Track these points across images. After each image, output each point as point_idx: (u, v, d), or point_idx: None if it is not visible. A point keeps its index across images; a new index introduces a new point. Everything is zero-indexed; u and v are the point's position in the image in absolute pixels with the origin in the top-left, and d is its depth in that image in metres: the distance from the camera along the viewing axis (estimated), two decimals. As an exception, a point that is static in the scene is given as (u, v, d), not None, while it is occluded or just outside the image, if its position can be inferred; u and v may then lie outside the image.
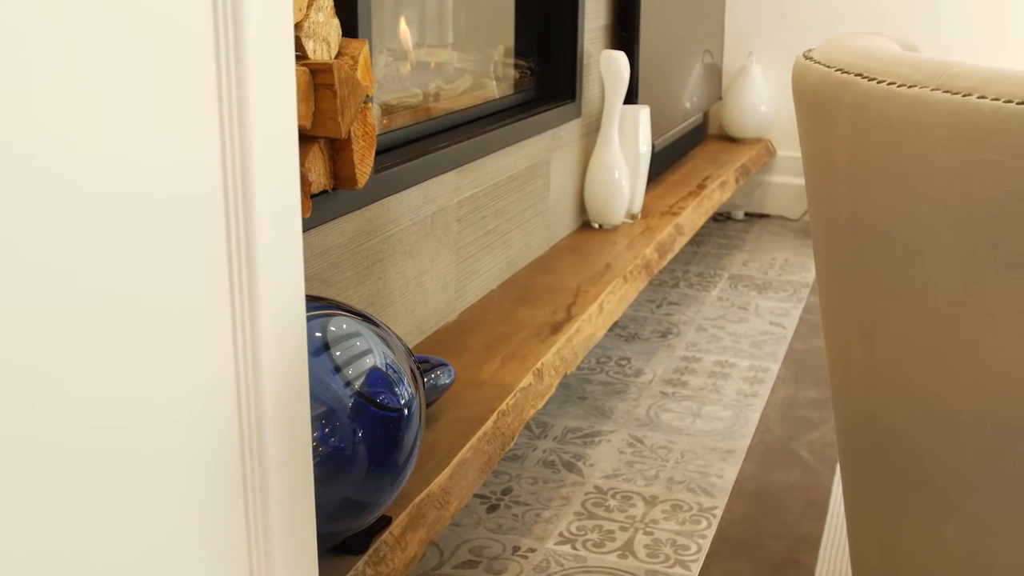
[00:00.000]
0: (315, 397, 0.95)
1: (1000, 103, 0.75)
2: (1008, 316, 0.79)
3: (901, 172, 0.84)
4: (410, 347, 1.51)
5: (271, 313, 0.68)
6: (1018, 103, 0.74)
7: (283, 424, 0.71)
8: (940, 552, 0.94)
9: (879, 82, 0.85)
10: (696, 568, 1.45)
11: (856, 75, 0.88)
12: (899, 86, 0.83)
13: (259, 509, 0.69)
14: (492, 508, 1.60)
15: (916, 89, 0.81)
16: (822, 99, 0.92)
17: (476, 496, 1.63)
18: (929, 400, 0.89)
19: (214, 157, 0.63)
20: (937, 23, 3.03)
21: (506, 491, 1.65)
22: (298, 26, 1.16)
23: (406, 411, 1.00)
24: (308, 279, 1.24)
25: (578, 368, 2.13)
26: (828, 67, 0.92)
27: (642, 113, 2.19)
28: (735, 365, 2.16)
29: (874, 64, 0.87)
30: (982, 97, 0.77)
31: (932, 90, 0.80)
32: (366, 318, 1.04)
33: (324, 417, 0.95)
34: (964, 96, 0.78)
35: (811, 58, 0.97)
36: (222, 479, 0.66)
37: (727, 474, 1.71)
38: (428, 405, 1.30)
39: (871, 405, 0.98)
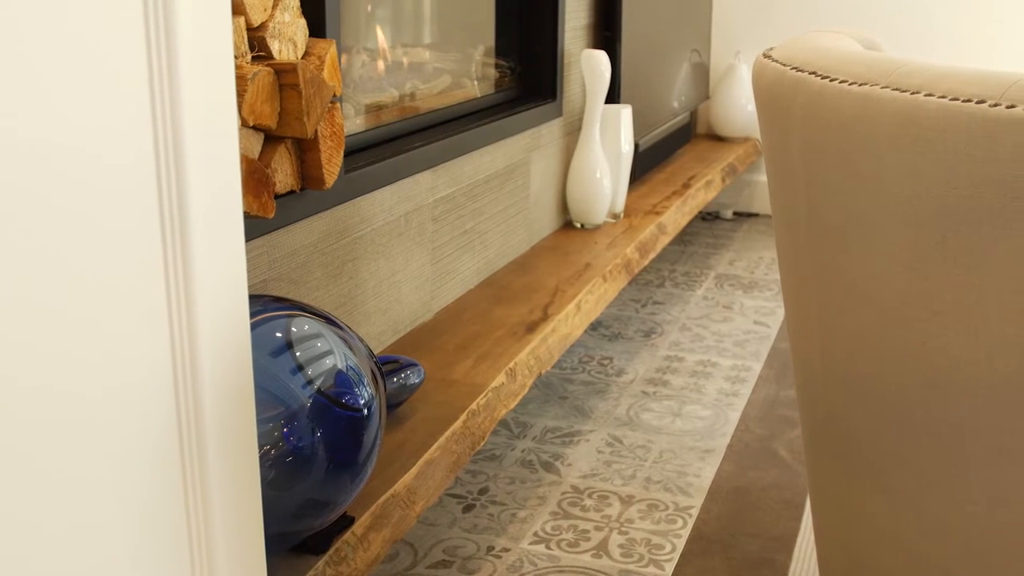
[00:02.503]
0: (274, 397, 0.95)
1: (946, 101, 0.75)
2: (957, 314, 0.79)
3: (853, 170, 0.84)
4: (384, 347, 1.51)
5: (208, 295, 0.67)
6: (964, 101, 0.74)
7: (224, 412, 0.71)
8: (897, 551, 0.94)
9: (831, 80, 0.85)
10: (670, 568, 1.45)
11: (810, 73, 0.88)
12: (850, 84, 0.83)
13: (200, 507, 0.69)
14: (468, 508, 1.60)
15: (866, 87, 0.81)
16: (778, 97, 0.92)
17: (452, 496, 1.63)
18: (884, 399, 0.89)
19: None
20: (924, 23, 3.03)
21: (483, 491, 1.65)
22: (263, 26, 1.16)
23: (366, 411, 1.00)
24: (276, 279, 1.24)
25: (560, 368, 2.13)
26: (784, 65, 0.92)
27: (624, 112, 2.18)
28: (717, 364, 2.16)
29: (828, 62, 0.87)
30: (929, 95, 0.77)
31: (882, 88, 0.80)
32: (329, 320, 1.04)
33: (283, 416, 0.95)
34: (912, 94, 0.78)
35: (770, 56, 0.97)
36: (159, 473, 0.66)
37: (705, 473, 1.71)
38: (397, 405, 1.30)
39: (831, 404, 0.98)
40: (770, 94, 0.94)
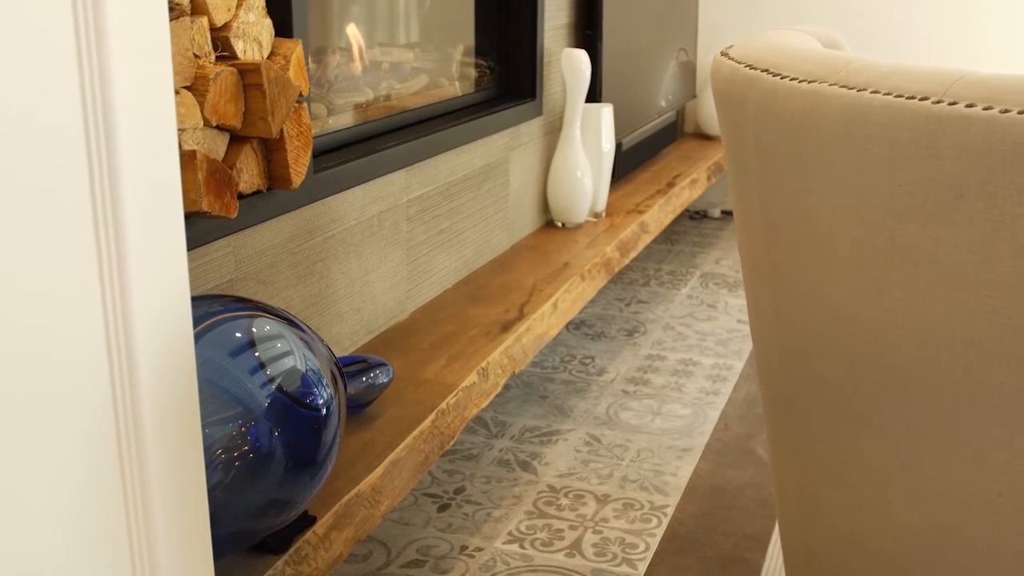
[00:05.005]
0: (232, 396, 0.95)
1: (891, 98, 0.75)
2: (906, 313, 0.79)
3: (803, 167, 0.84)
4: (357, 346, 1.51)
5: (145, 289, 0.67)
6: (908, 98, 0.74)
7: (165, 406, 0.70)
8: (855, 548, 0.94)
9: (782, 78, 0.85)
10: (643, 567, 1.45)
11: (762, 71, 0.88)
12: (800, 81, 0.83)
13: (140, 510, 0.69)
14: (443, 507, 1.60)
15: (815, 84, 0.81)
16: (732, 95, 0.92)
17: (428, 495, 1.63)
18: (839, 398, 0.89)
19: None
20: (908, 22, 3.03)
21: (459, 490, 1.65)
22: (227, 26, 1.16)
23: (325, 411, 1.00)
24: (244, 279, 1.24)
25: (541, 367, 2.13)
26: (739, 63, 0.92)
27: (604, 111, 2.18)
28: (699, 363, 2.16)
29: (780, 60, 0.87)
30: (875, 92, 0.77)
31: (830, 85, 0.80)
32: (290, 321, 1.04)
33: (240, 416, 0.95)
34: (859, 91, 0.78)
35: (726, 54, 0.97)
36: (95, 469, 0.66)
37: (682, 472, 1.71)
38: (366, 404, 1.30)
39: (790, 402, 0.98)
40: (725, 92, 0.94)
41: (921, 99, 0.73)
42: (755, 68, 0.89)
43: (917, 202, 0.75)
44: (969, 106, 0.71)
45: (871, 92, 0.76)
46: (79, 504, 0.65)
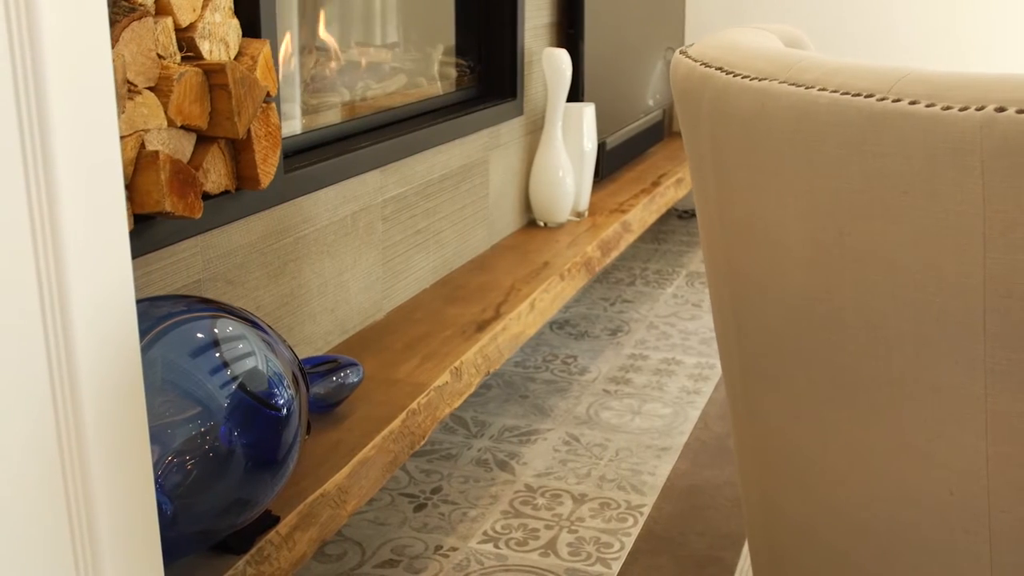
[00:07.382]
0: (191, 397, 0.95)
1: (838, 95, 0.75)
2: (856, 311, 0.79)
3: (755, 165, 0.84)
4: (331, 346, 1.51)
5: (85, 288, 0.66)
6: (854, 95, 0.74)
7: (109, 407, 0.70)
8: (815, 547, 0.94)
9: (735, 75, 0.85)
10: (617, 566, 1.45)
11: (716, 69, 0.88)
12: (751, 79, 0.83)
13: (84, 513, 0.69)
14: (419, 507, 1.60)
15: (766, 82, 0.81)
16: (689, 93, 0.92)
17: (404, 495, 1.63)
18: (794, 396, 0.89)
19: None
20: (895, 23, 3.02)
21: (435, 490, 1.65)
22: (192, 27, 1.16)
23: (285, 411, 1.00)
24: (212, 280, 1.24)
25: (523, 366, 2.13)
26: (695, 61, 0.92)
27: (586, 111, 2.18)
28: (681, 362, 2.16)
29: (733, 58, 0.87)
30: (823, 89, 0.76)
31: (780, 83, 0.80)
32: (253, 323, 1.04)
33: (200, 416, 0.95)
34: (807, 89, 0.78)
35: (685, 52, 0.97)
36: (37, 480, 0.66)
37: (660, 471, 1.71)
38: (336, 404, 1.30)
39: (749, 401, 0.98)
40: (683, 90, 0.94)
41: (866, 96, 0.73)
42: (709, 66, 0.89)
43: (864, 199, 0.75)
44: (912, 103, 0.70)
45: (818, 90, 0.76)
46: (19, 508, 0.65)
